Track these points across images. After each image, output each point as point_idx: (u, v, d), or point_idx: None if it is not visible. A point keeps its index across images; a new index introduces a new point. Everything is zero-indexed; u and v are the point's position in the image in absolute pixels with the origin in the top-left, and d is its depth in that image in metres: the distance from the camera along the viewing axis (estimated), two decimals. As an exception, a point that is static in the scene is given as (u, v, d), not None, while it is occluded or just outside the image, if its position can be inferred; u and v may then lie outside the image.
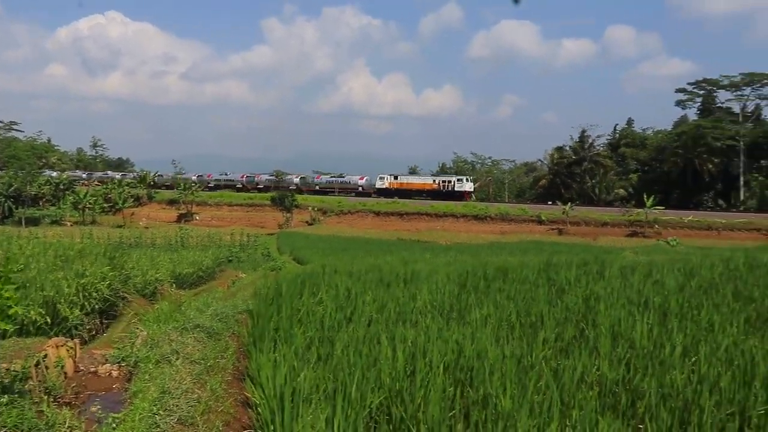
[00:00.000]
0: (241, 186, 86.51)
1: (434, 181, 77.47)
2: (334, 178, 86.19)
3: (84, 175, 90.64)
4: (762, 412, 5.08)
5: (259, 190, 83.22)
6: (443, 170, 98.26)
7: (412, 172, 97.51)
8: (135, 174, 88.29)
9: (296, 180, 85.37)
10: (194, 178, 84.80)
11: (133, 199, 69.44)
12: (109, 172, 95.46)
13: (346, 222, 62.05)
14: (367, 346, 6.47)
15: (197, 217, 67.54)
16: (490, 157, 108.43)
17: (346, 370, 5.85)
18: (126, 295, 13.35)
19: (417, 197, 70.59)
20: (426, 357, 5.98)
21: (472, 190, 74.16)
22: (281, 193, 67.47)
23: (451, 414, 5.16)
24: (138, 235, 42.95)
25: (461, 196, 71.56)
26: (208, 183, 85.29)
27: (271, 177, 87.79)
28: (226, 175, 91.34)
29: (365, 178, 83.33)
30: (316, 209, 64.68)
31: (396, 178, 79.79)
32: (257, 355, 6.16)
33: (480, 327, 7.29)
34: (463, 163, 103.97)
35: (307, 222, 62.44)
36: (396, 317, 8.05)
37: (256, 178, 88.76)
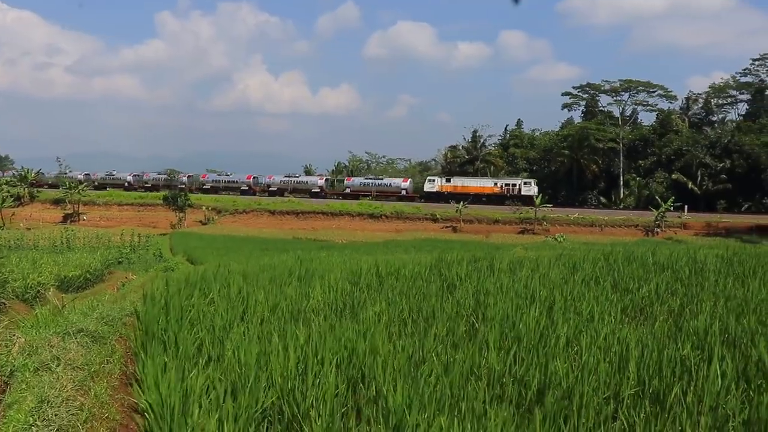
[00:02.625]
0: (128, 185, 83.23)
1: (496, 184, 71.42)
2: (372, 180, 78.31)
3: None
4: (633, 392, 5.42)
5: (147, 189, 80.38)
6: (339, 170, 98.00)
7: (307, 171, 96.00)
8: (15, 172, 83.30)
9: (277, 179, 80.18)
10: (80, 176, 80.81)
11: (13, 199, 65.44)
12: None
13: (242, 221, 61.11)
14: (259, 345, 6.41)
15: (85, 218, 64.60)
16: (384, 156, 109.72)
17: (237, 370, 5.78)
18: (3, 300, 12.60)
19: (476, 203, 63.39)
20: (318, 355, 5.99)
21: (535, 193, 67.17)
22: (174, 192, 65.46)
23: (343, 410, 5.19)
24: (19, 237, 40.75)
25: (528, 200, 64.34)
26: (94, 182, 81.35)
27: (159, 175, 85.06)
28: (112, 174, 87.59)
29: (409, 181, 77.35)
30: (210, 209, 63.38)
31: (449, 180, 73.31)
32: (145, 359, 5.99)
33: (372, 324, 7.37)
34: (359, 162, 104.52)
35: (201, 222, 61.06)
36: (289, 316, 8.01)
37: (144, 177, 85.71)
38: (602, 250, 15.91)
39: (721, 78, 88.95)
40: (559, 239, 48.17)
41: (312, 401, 5.20)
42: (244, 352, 6.13)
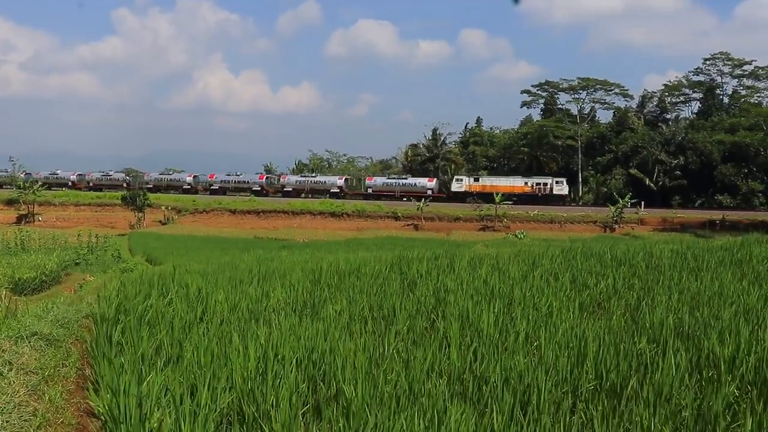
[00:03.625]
0: (72, 184, 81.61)
1: (526, 183, 68.76)
2: (396, 179, 75.14)
3: None
4: (591, 387, 5.50)
5: (90, 189, 79.05)
6: (300, 168, 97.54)
7: (268, 170, 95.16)
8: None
9: (293, 179, 78.47)
10: (21, 176, 78.68)
11: (-39, 200, 63.78)
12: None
13: (202, 221, 60.40)
14: (219, 346, 6.35)
15: (40, 218, 63.11)
16: (345, 155, 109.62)
17: (196, 371, 5.72)
18: (-48, 305, 12.23)
19: (504, 202, 58.94)
20: (278, 354, 5.96)
21: (567, 192, 66.75)
22: (133, 192, 64.38)
23: (304, 410, 5.18)
24: (-32, 239, 39.58)
25: (560, 200, 64.09)
26: (37, 182, 79.42)
27: (106, 175, 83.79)
28: (55, 173, 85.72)
29: (435, 180, 74.16)
30: (170, 208, 62.49)
31: (477, 179, 70.76)
32: (101, 361, 5.89)
33: (333, 322, 7.35)
34: (319, 160, 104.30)
35: (160, 221, 60.16)
36: (249, 316, 7.96)
37: (87, 177, 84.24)
38: (561, 246, 16.12)
39: (675, 77, 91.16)
40: (519, 236, 48.64)
41: (272, 401, 5.17)
42: (204, 353, 6.08)
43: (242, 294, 9.24)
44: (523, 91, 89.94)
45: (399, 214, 58.74)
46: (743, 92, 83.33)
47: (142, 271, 16.31)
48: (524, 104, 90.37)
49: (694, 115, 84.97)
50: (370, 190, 73.90)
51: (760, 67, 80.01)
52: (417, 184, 73.86)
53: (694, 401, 5.07)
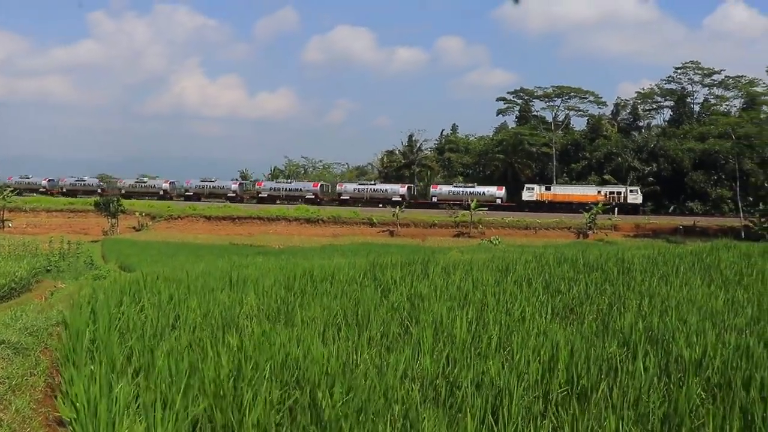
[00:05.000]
0: (44, 190, 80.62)
1: (599, 192, 66.52)
2: (462, 188, 72.16)
3: None
4: (562, 391, 5.56)
5: (63, 194, 78.19)
6: (275, 175, 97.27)
7: (244, 176, 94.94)
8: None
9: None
10: None
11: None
12: None
13: (177, 227, 59.92)
14: (191, 353, 6.31)
15: (10, 224, 62.13)
16: (321, 161, 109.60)
17: (167, 379, 5.68)
18: None
19: (578, 211, 57.88)
20: (251, 361, 5.94)
21: (641, 201, 64.63)
22: (106, 198, 63.67)
23: (278, 417, 5.16)
24: (-65, 246, 38.84)
25: (633, 209, 62.51)
26: (8, 186, 78.30)
27: (77, 181, 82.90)
28: (27, 177, 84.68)
29: (503, 189, 70.99)
30: (144, 214, 61.91)
31: (548, 188, 68.82)
32: (71, 369, 5.82)
33: (307, 329, 7.35)
34: (295, 166, 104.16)
35: (134, 228, 59.55)
36: (222, 322, 7.91)
37: (60, 182, 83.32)
38: (534, 252, 16.26)
39: (648, 85, 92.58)
40: (494, 242, 48.93)
41: (245, 408, 5.15)
42: (175, 360, 6.03)
43: (216, 301, 9.19)
44: (498, 99, 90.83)
45: (375, 221, 58.78)
46: (713, 101, 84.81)
47: (114, 278, 16.13)
48: (500, 111, 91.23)
49: (666, 123, 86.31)
50: (434, 199, 72.49)
51: (729, 77, 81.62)
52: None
53: (662, 404, 5.15)
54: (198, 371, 5.78)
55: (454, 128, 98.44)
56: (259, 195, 78.75)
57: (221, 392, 5.36)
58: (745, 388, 5.38)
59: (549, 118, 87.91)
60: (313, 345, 6.51)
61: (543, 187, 69.87)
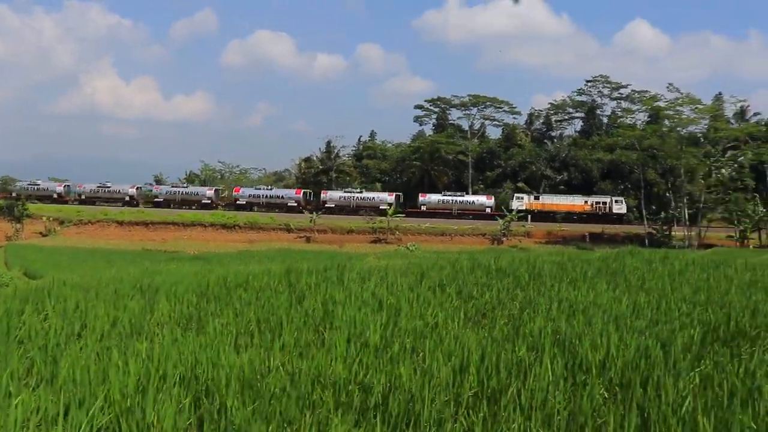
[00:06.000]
0: None
1: (586, 202, 68.60)
2: (451, 197, 71.50)
3: None
4: (472, 393, 5.66)
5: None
6: (191, 179, 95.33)
7: (158, 180, 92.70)
8: None
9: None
10: None
11: None
12: None
13: (87, 233, 57.90)
14: (97, 362, 6.09)
15: None
16: (238, 166, 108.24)
17: (71, 389, 5.46)
18: None
19: (565, 221, 60.54)
20: (160, 370, 5.78)
21: (626, 211, 66.52)
22: (10, 202, 60.78)
23: (187, 425, 5.04)
24: None
25: (618, 219, 64.14)
26: None
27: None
28: None
29: (493, 198, 71.48)
30: (51, 219, 59.48)
31: (537, 198, 69.73)
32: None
33: (218, 336, 7.21)
34: (212, 171, 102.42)
35: (41, 233, 57.09)
36: (131, 330, 7.67)
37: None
38: (449, 258, 16.49)
39: (561, 96, 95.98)
40: (411, 248, 49.41)
41: (153, 418, 5.00)
42: (80, 370, 5.81)
43: (124, 308, 8.91)
44: (416, 107, 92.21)
45: (292, 226, 58.51)
46: (620, 113, 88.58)
47: (17, 286, 15.40)
48: (417, 119, 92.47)
49: (577, 134, 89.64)
50: (423, 208, 72.43)
51: (635, 91, 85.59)
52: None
53: (567, 404, 5.32)
54: (104, 381, 5.59)
55: (372, 135, 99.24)
56: (237, 202, 76.41)
57: (128, 402, 5.19)
58: (643, 387, 5.63)
59: (465, 126, 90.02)
60: (224, 352, 6.40)
61: (532, 197, 71.33)
